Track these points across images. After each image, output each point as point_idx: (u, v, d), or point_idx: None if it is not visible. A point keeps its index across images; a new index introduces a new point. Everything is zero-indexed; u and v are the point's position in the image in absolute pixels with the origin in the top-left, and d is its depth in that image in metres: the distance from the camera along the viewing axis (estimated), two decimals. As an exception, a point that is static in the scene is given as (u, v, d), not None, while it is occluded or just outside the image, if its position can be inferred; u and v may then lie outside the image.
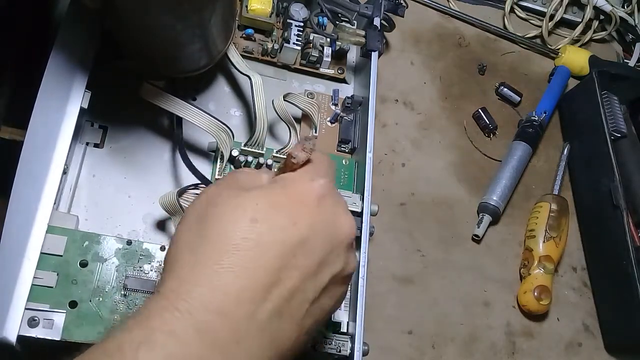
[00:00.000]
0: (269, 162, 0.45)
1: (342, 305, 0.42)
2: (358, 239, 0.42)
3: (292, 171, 0.32)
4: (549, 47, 0.72)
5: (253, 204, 0.29)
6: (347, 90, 0.52)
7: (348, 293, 0.42)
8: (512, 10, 0.73)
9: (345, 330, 0.41)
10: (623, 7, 0.75)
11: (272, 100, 0.45)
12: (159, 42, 0.39)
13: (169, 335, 0.25)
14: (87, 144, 0.43)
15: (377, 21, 0.51)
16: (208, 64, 0.44)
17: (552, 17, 0.73)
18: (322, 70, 0.51)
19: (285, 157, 0.33)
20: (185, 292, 0.26)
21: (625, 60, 0.75)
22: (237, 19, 0.48)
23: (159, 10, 0.35)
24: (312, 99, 0.49)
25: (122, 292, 0.37)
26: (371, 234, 0.43)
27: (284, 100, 0.45)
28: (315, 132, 0.49)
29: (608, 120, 0.62)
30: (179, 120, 0.44)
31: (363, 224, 0.43)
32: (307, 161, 0.32)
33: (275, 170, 0.34)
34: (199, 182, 0.43)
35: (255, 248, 0.27)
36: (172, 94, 0.42)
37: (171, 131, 0.46)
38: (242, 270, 0.27)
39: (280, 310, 0.27)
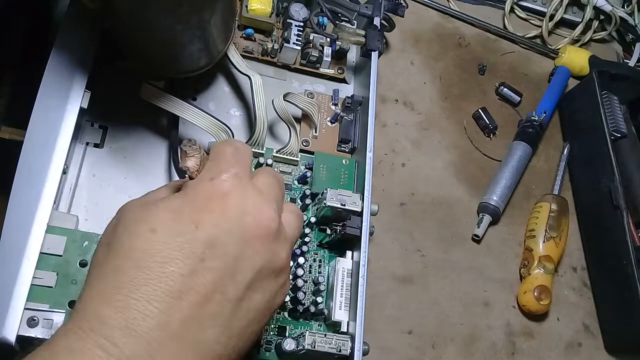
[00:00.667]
0: (269, 161, 0.45)
1: (343, 304, 0.41)
2: (358, 239, 0.42)
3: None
4: (549, 47, 0.72)
5: (152, 215, 0.28)
6: (347, 90, 0.52)
7: (348, 293, 0.42)
8: (512, 10, 0.73)
9: (345, 330, 0.41)
10: (623, 7, 0.75)
11: (272, 100, 0.45)
12: (159, 42, 0.39)
13: (71, 355, 0.24)
14: (87, 144, 0.43)
15: (377, 21, 0.51)
16: (208, 64, 0.44)
17: (552, 17, 0.72)
18: (322, 70, 0.52)
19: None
20: (88, 311, 0.26)
21: (625, 60, 0.75)
22: (237, 19, 0.48)
23: (158, 11, 0.35)
24: (312, 98, 0.49)
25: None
26: (371, 234, 0.43)
27: (284, 100, 0.45)
28: (315, 132, 0.49)
29: (608, 120, 0.61)
30: (175, 123, 0.44)
31: (363, 224, 0.43)
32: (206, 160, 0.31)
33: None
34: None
35: (156, 258, 0.26)
36: (172, 94, 0.42)
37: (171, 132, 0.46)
38: (145, 282, 0.26)
39: (196, 315, 0.27)
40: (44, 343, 0.26)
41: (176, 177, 0.45)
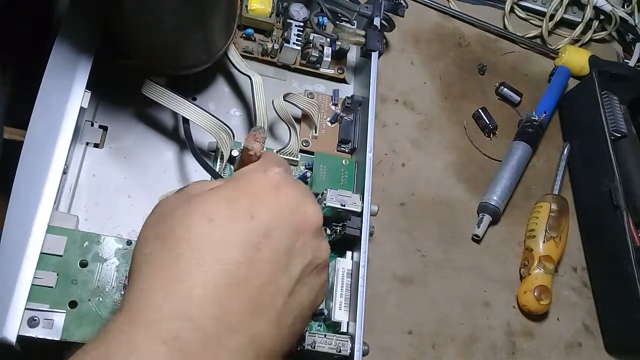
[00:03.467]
0: (269, 162, 0.45)
1: (343, 304, 0.41)
2: (358, 239, 0.42)
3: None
4: (549, 47, 0.72)
5: (205, 204, 0.28)
6: (347, 90, 0.52)
7: (348, 293, 0.42)
8: (512, 10, 0.73)
9: (345, 330, 0.41)
10: (623, 7, 0.75)
11: (272, 100, 0.45)
12: (161, 30, 0.39)
13: (132, 348, 0.23)
14: (87, 144, 0.43)
15: (377, 21, 0.51)
16: (209, 59, 0.44)
17: (552, 17, 0.73)
18: (322, 70, 0.52)
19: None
20: (145, 303, 0.25)
21: (625, 60, 0.75)
22: (237, 18, 0.48)
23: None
24: (312, 99, 0.49)
25: (122, 292, 0.37)
26: (371, 234, 0.43)
27: (284, 100, 0.45)
28: (315, 132, 0.49)
29: (608, 120, 0.62)
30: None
31: (363, 224, 0.43)
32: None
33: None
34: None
35: (214, 246, 0.26)
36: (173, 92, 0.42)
37: (172, 131, 0.46)
38: (203, 272, 0.25)
39: (252, 307, 0.26)
40: (95, 337, 0.25)
41: (177, 176, 0.45)
